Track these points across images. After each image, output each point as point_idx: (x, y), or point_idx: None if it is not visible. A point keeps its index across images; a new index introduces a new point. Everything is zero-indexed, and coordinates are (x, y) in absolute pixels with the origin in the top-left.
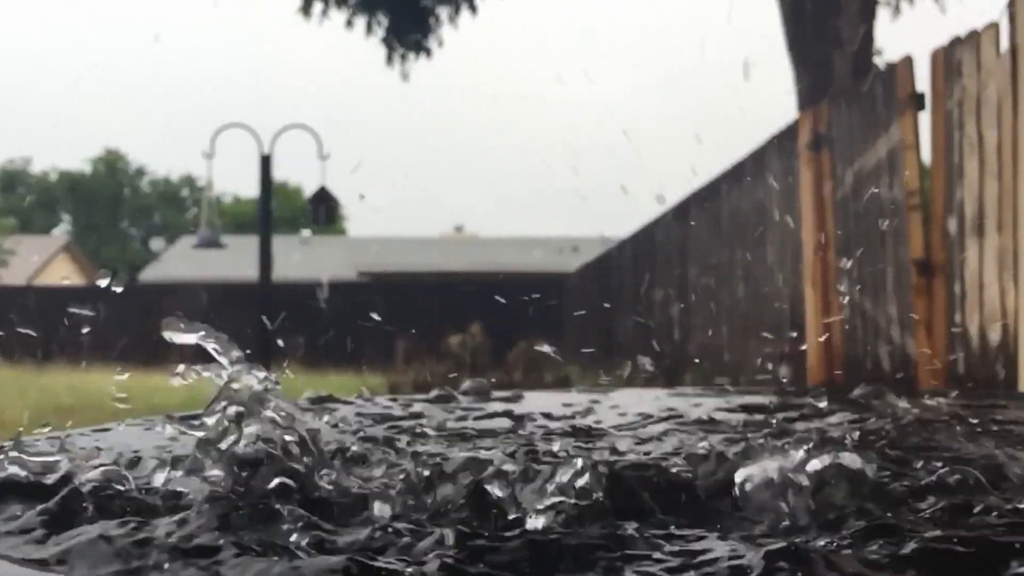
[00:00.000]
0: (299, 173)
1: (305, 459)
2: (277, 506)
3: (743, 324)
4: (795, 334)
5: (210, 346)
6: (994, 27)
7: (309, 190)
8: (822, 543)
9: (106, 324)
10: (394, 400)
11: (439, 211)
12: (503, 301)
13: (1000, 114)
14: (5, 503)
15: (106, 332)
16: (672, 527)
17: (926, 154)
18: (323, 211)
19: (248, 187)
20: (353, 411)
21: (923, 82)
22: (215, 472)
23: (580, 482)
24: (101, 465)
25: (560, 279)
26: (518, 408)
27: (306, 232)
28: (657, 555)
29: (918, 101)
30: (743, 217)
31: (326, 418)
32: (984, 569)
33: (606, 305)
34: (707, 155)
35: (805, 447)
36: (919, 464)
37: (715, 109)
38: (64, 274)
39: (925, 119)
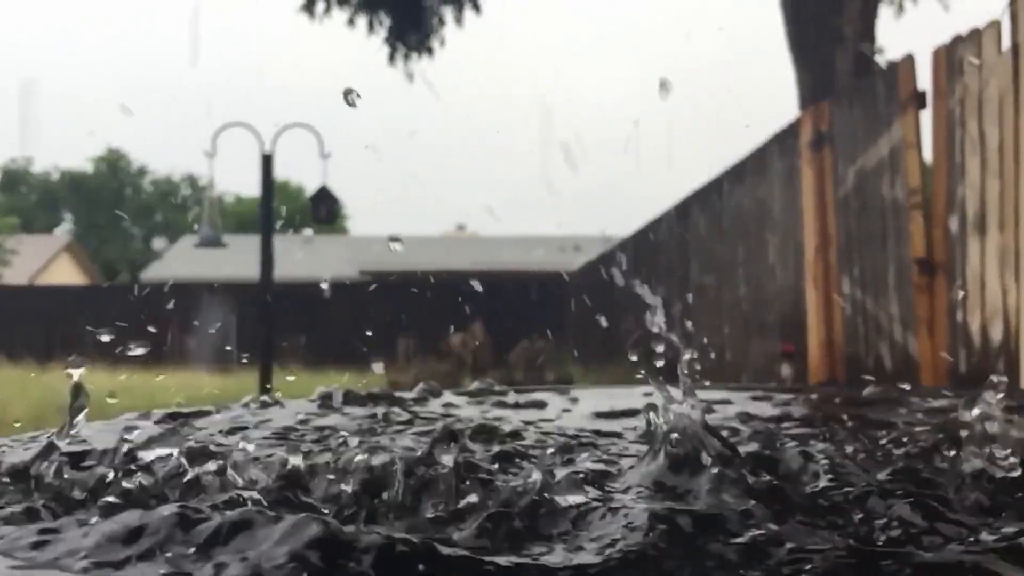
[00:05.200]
0: (300, 172)
1: None
2: None
3: (744, 323)
4: (796, 333)
5: None
6: (996, 25)
7: (310, 189)
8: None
9: (108, 323)
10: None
11: (441, 210)
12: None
13: (1002, 112)
14: None
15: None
16: None
17: (928, 153)
18: (324, 210)
19: (250, 186)
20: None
21: (925, 80)
22: None
23: None
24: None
25: (561, 278)
26: None
27: (307, 231)
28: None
29: (920, 99)
30: (744, 216)
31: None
32: None
33: (607, 304)
34: (708, 154)
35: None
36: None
37: (717, 108)
38: (65, 273)
39: (927, 117)
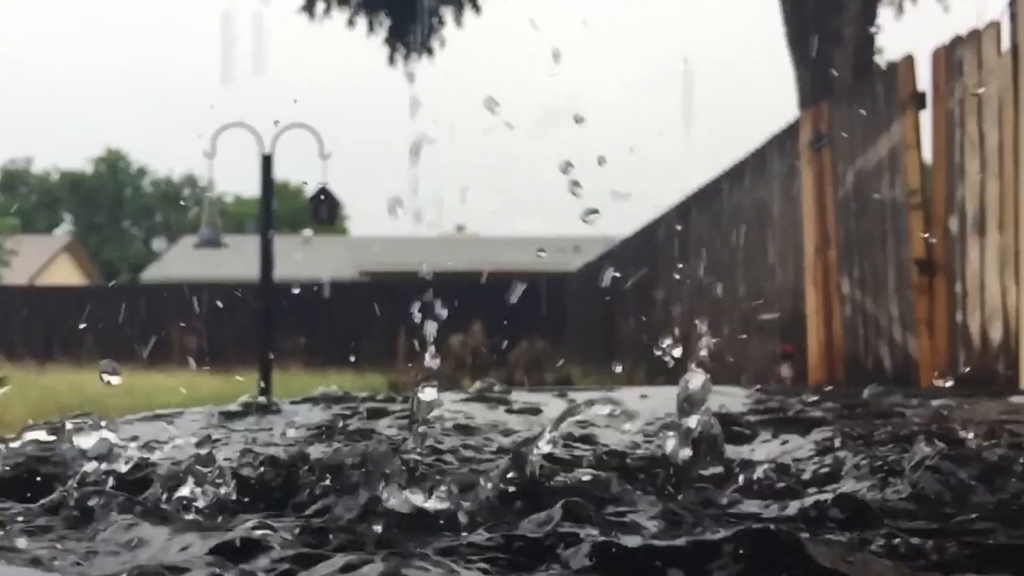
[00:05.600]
0: (300, 172)
1: None
2: None
3: (744, 323)
4: (796, 334)
5: None
6: (995, 26)
7: (310, 189)
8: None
9: (108, 324)
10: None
11: (441, 211)
12: None
13: (1001, 113)
14: None
15: (108, 331)
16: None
17: (927, 153)
18: (324, 210)
19: (250, 186)
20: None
21: (924, 81)
22: None
23: None
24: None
25: (562, 278)
26: None
27: (307, 232)
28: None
29: (919, 100)
30: (744, 216)
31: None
32: None
33: (606, 304)
34: (709, 154)
35: None
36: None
37: (717, 108)
38: (65, 273)
39: (926, 118)
